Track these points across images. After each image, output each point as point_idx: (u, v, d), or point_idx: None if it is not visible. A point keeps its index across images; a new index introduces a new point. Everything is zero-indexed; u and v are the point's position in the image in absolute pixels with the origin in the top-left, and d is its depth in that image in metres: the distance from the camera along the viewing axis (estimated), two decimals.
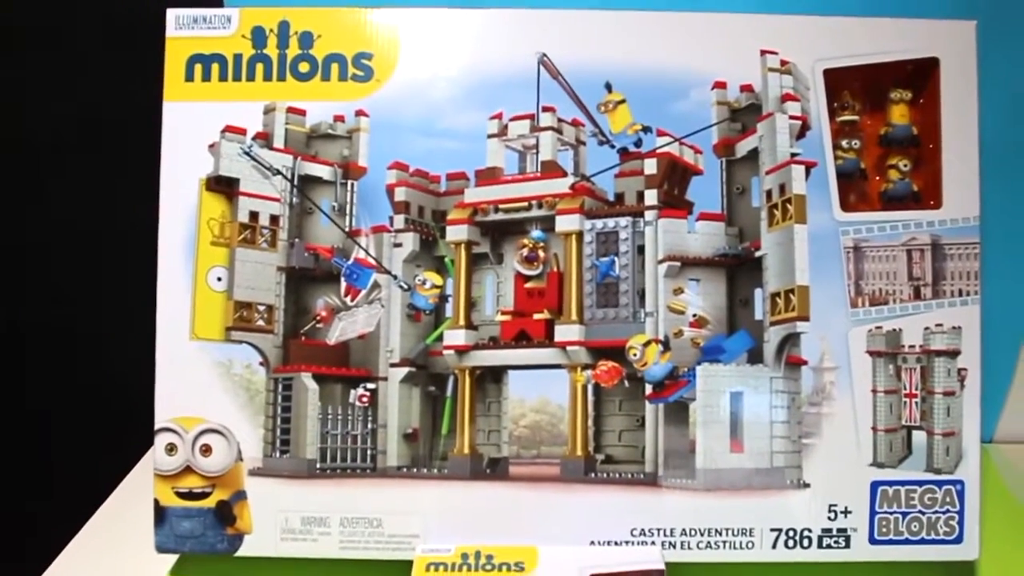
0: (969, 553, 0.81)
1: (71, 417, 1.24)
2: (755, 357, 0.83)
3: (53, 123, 1.17)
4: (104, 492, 0.99)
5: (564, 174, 0.87)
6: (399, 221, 0.88)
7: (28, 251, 1.21)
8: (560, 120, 0.86)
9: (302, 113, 0.84)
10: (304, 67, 0.83)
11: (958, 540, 0.81)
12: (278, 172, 0.86)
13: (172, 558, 0.85)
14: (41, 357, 1.24)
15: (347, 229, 0.87)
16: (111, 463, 1.02)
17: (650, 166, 0.84)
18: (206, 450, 0.82)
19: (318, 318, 0.87)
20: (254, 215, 0.86)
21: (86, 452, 1.18)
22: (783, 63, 0.82)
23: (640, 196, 0.86)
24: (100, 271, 1.19)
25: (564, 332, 0.86)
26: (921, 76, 0.83)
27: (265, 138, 0.84)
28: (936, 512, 0.81)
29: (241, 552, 0.82)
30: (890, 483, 0.81)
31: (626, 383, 0.83)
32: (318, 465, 0.85)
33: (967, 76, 0.81)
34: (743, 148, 0.85)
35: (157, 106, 0.82)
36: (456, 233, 0.88)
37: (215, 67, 0.82)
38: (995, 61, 0.84)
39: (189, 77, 0.82)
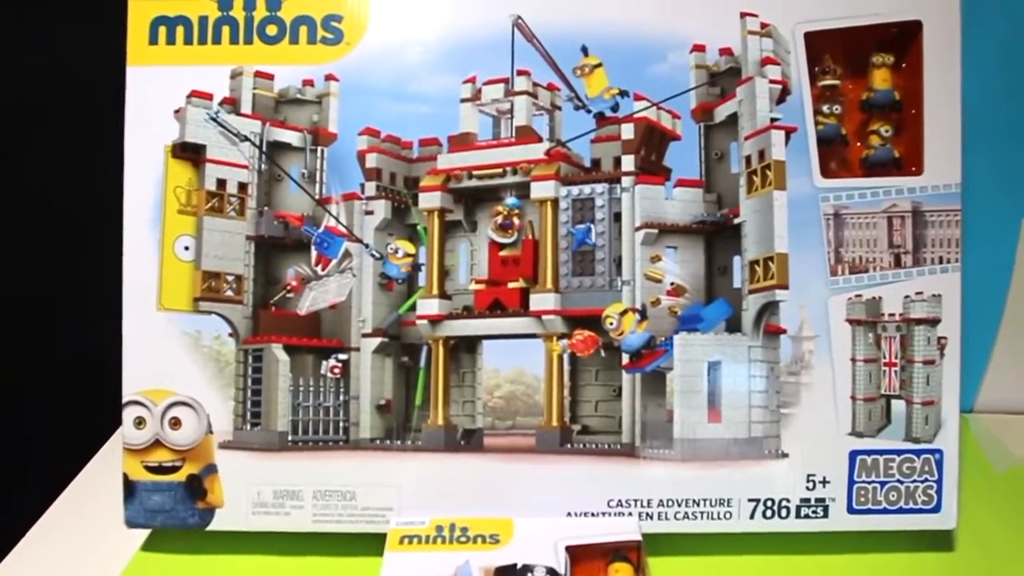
0: (947, 522, 0.81)
1: (42, 391, 1.22)
2: (733, 326, 0.82)
3: (15, 88, 1.14)
4: (76, 467, 0.97)
5: (539, 139, 0.86)
6: (370, 188, 0.87)
7: None
8: (535, 84, 0.85)
9: (270, 77, 0.83)
10: (272, 30, 0.81)
11: (936, 509, 0.81)
12: (246, 138, 0.85)
13: (143, 533, 0.85)
14: (10, 329, 1.22)
15: (317, 197, 0.86)
16: (83, 438, 1.00)
17: (627, 131, 0.84)
18: (175, 423, 0.81)
19: (288, 288, 0.86)
20: (221, 183, 0.84)
21: (57, 427, 1.17)
22: (763, 26, 0.81)
23: (617, 162, 0.85)
24: (69, 241, 1.17)
25: (539, 301, 0.85)
26: (904, 40, 0.82)
27: (232, 103, 0.83)
28: (915, 481, 0.81)
29: (212, 526, 0.82)
30: (868, 452, 0.81)
31: (602, 353, 0.83)
32: (290, 437, 0.84)
33: (950, 40, 0.80)
34: (722, 113, 0.85)
35: (121, 70, 0.80)
36: (429, 200, 0.87)
37: (180, 30, 0.81)
38: (979, 25, 0.84)
39: (153, 40, 0.81)
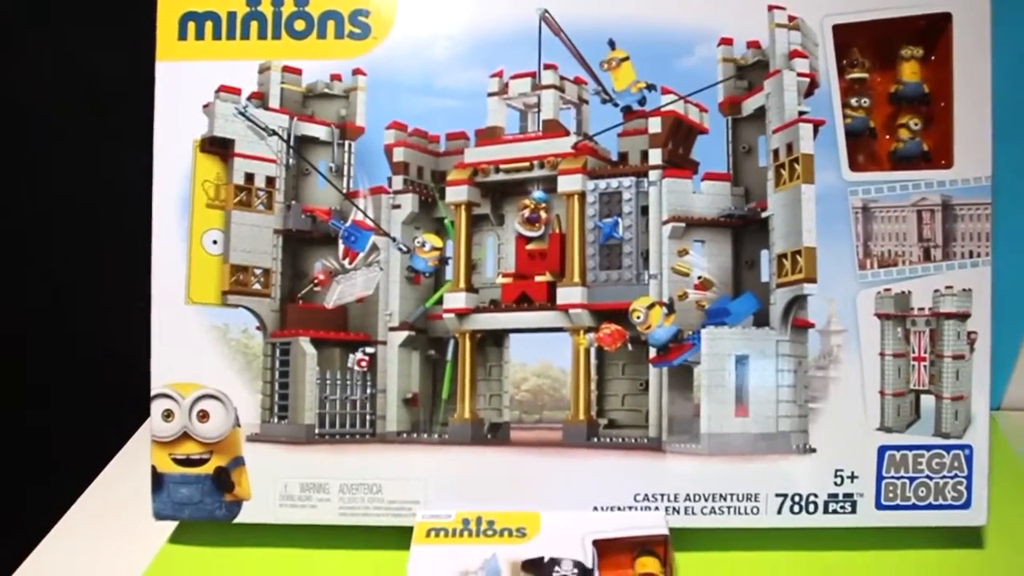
0: (977, 519, 0.80)
1: (69, 384, 1.23)
2: (761, 320, 0.82)
3: (44, 83, 1.15)
4: (103, 460, 0.98)
5: (566, 133, 0.86)
6: (398, 182, 0.87)
7: (24, 218, 1.19)
8: (562, 78, 0.84)
9: (298, 72, 0.83)
10: (300, 25, 0.81)
11: (966, 505, 0.80)
12: (274, 133, 0.85)
13: (171, 525, 0.85)
14: (38, 322, 1.23)
15: (345, 190, 0.86)
16: (110, 431, 1.01)
17: (654, 125, 0.83)
18: (203, 416, 0.81)
19: (316, 281, 0.86)
20: (250, 177, 0.85)
21: (85, 420, 1.17)
22: (791, 18, 0.80)
23: (644, 155, 0.85)
24: (98, 235, 1.18)
25: (566, 295, 0.85)
26: (933, 32, 0.81)
27: (260, 98, 0.83)
28: (944, 477, 0.80)
29: (240, 519, 0.82)
30: (897, 448, 0.80)
31: (629, 346, 0.83)
32: (317, 430, 0.84)
33: (980, 32, 0.79)
34: (750, 106, 0.84)
35: (150, 66, 0.81)
36: (456, 194, 0.87)
37: (208, 25, 0.81)
38: (1009, 17, 0.82)
39: (182, 36, 0.81)
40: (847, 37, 0.81)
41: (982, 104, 0.79)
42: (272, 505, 0.81)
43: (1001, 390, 1.09)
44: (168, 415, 0.81)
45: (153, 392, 0.81)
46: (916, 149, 0.83)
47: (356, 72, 0.82)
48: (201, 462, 0.82)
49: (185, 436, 0.81)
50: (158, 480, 0.82)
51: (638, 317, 0.81)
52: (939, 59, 0.81)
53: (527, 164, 0.86)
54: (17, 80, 1.14)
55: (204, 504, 0.82)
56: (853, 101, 0.83)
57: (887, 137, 0.84)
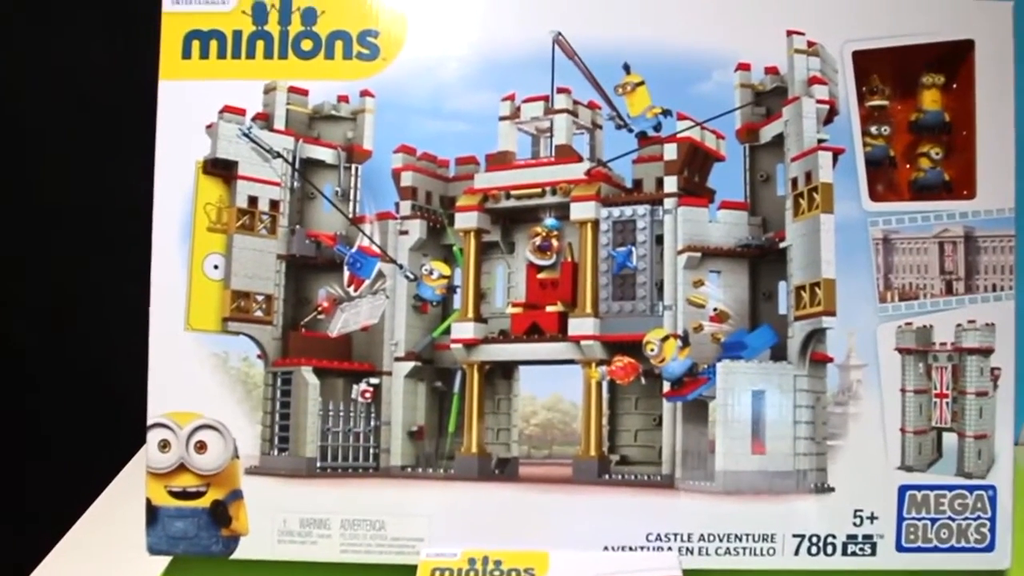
0: (1001, 562, 0.79)
1: (62, 412, 1.22)
2: (778, 353, 0.81)
3: (46, 104, 1.14)
4: (96, 490, 0.96)
5: (579, 159, 0.86)
6: (405, 207, 0.86)
7: (21, 241, 1.18)
8: (575, 102, 0.84)
9: (304, 93, 0.82)
10: (307, 45, 0.80)
11: (990, 548, 0.79)
12: (278, 155, 0.84)
13: (165, 560, 0.83)
14: (34, 347, 1.21)
15: (351, 215, 0.85)
16: (103, 459, 1.00)
17: (670, 151, 0.83)
18: (201, 447, 0.80)
19: (319, 309, 0.85)
20: (253, 200, 0.84)
21: (78, 448, 1.16)
22: (810, 44, 0.79)
23: (659, 183, 0.84)
24: (97, 258, 1.17)
25: (578, 326, 0.84)
26: (954, 60, 0.80)
27: (265, 119, 0.82)
28: (967, 518, 0.79)
29: (237, 555, 0.80)
30: (919, 487, 0.79)
31: (643, 380, 0.82)
32: (318, 464, 0.83)
33: (1003, 60, 0.79)
34: (767, 133, 0.83)
35: (153, 84, 0.80)
36: (465, 220, 0.86)
37: (213, 44, 0.80)
38: None
39: (186, 54, 0.80)
40: (867, 64, 0.80)
41: (1005, 133, 0.79)
42: (271, 541, 0.80)
43: (1020, 424, 1.07)
44: (164, 445, 0.79)
45: (150, 421, 0.79)
46: (937, 179, 0.82)
47: (364, 94, 0.81)
48: (198, 495, 0.80)
49: (182, 468, 0.80)
50: (153, 513, 0.80)
51: (652, 350, 0.80)
52: (961, 87, 0.81)
53: (539, 190, 0.86)
54: (16, 98, 1.13)
55: (200, 539, 0.80)
56: (873, 129, 0.82)
57: (907, 166, 0.84)
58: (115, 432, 0.94)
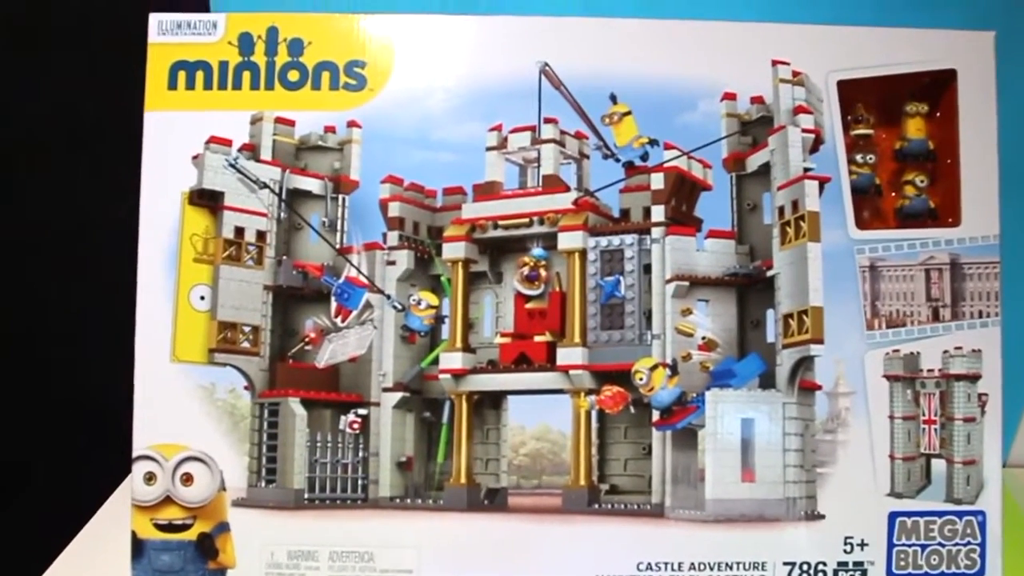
0: None
1: (45, 443, 1.20)
2: (767, 382, 0.81)
3: (30, 133, 1.13)
4: (79, 522, 0.95)
5: (567, 189, 0.86)
6: (393, 238, 0.86)
7: (3, 264, 1.17)
8: (563, 132, 0.84)
9: (291, 124, 0.82)
10: (293, 75, 0.80)
11: (980, 574, 0.79)
12: (265, 185, 0.84)
13: None
14: (18, 378, 1.20)
15: (338, 246, 0.85)
16: (86, 491, 0.98)
17: (657, 181, 0.83)
18: (187, 479, 0.79)
19: (307, 340, 0.85)
20: (239, 231, 0.83)
21: (60, 480, 1.14)
22: (795, 74, 0.80)
23: (647, 212, 0.85)
24: (82, 289, 1.15)
25: (567, 355, 0.84)
26: (938, 89, 0.81)
27: (252, 150, 0.82)
28: (957, 544, 0.79)
29: None
30: (908, 514, 0.78)
31: (632, 409, 0.82)
32: (306, 495, 0.82)
33: (986, 89, 0.79)
34: (754, 162, 0.84)
35: (139, 115, 0.79)
36: (453, 251, 0.86)
37: (199, 75, 0.80)
38: (1014, 73, 0.82)
39: (172, 85, 0.79)
40: (852, 93, 0.80)
41: (989, 161, 0.79)
42: (258, 573, 0.79)
43: (1007, 447, 1.07)
44: (150, 478, 0.79)
45: (135, 453, 0.78)
46: (923, 206, 0.83)
47: (351, 124, 0.81)
48: (184, 528, 0.79)
49: (168, 500, 0.79)
50: (138, 546, 0.79)
51: (640, 379, 0.80)
52: (944, 115, 0.81)
53: (526, 220, 0.86)
54: (3, 122, 1.12)
55: (186, 572, 0.79)
56: (858, 157, 0.83)
57: (893, 194, 0.84)
58: (100, 463, 0.92)
